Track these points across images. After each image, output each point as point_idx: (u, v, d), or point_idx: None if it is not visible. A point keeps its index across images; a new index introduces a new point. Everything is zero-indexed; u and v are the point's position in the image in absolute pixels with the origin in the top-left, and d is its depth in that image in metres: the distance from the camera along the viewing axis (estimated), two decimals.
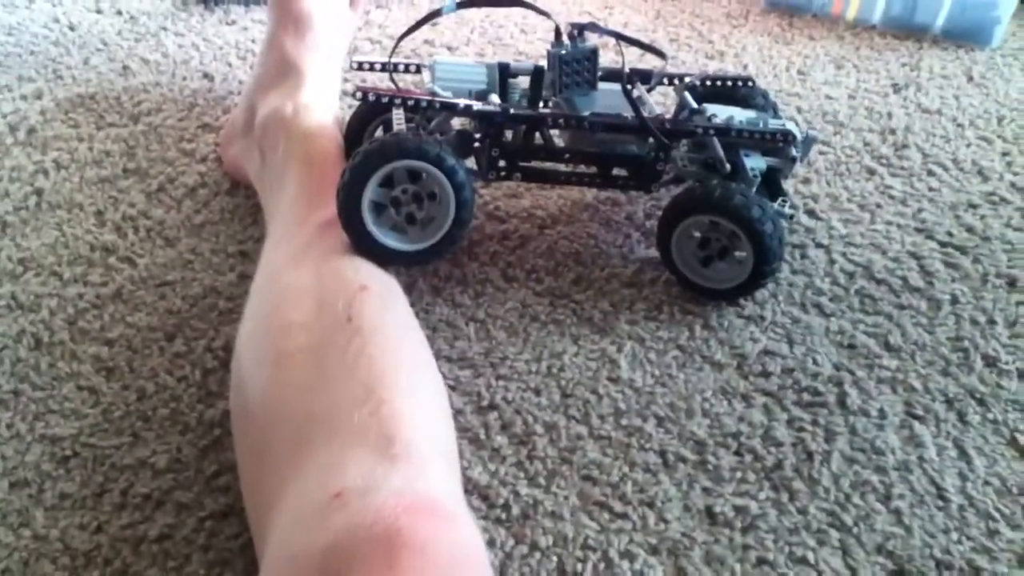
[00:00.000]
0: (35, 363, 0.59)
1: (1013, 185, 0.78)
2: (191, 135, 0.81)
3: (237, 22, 0.98)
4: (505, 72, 0.68)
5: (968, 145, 0.83)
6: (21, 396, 0.56)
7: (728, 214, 0.62)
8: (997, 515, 0.52)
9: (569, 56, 0.63)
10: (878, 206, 0.75)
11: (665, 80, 0.73)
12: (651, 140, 0.65)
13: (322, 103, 0.72)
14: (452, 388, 0.59)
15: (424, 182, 0.59)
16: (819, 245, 0.71)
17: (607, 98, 0.66)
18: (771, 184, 0.68)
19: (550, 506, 0.52)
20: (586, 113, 0.64)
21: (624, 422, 0.57)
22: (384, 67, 0.68)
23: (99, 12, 1.00)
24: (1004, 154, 0.82)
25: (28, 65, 0.89)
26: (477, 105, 0.62)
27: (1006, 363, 0.61)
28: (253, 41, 0.95)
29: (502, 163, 0.65)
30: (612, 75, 0.70)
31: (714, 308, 0.65)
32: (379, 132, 0.70)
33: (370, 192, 0.58)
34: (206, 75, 0.89)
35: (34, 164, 0.76)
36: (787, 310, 0.65)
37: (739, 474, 0.54)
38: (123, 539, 0.49)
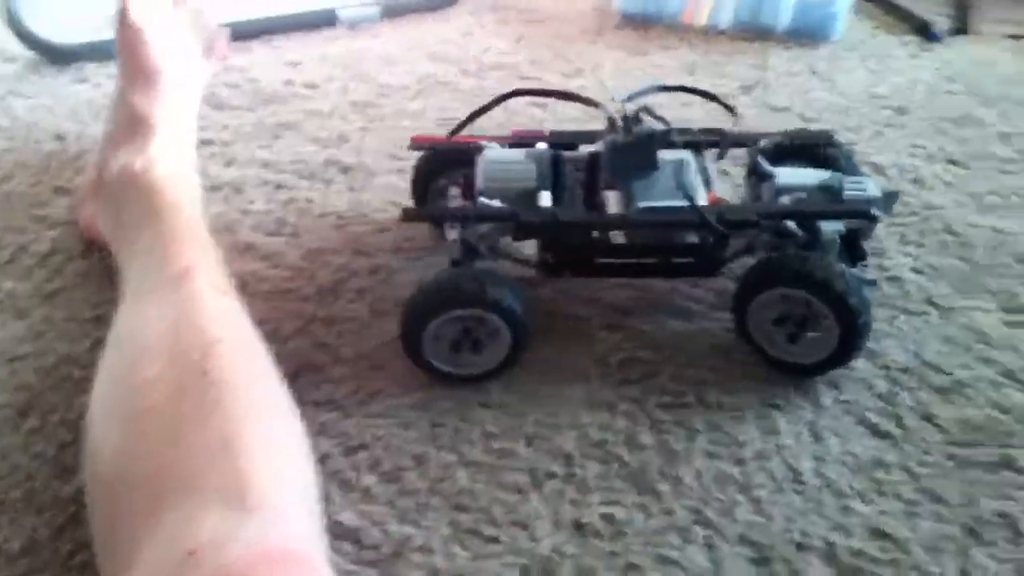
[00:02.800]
0: None
1: None
2: (44, 200, 0.79)
3: (89, 79, 0.96)
4: (558, 162, 0.65)
5: None
6: None
7: (813, 289, 0.57)
8: (851, 491, 0.55)
9: (624, 144, 0.62)
10: None
11: (737, 143, 0.69)
12: None
13: (173, 155, 0.71)
14: (319, 433, 0.58)
15: (484, 319, 0.59)
16: None
17: (670, 175, 0.62)
18: (851, 246, 0.63)
19: (421, 540, 0.52)
20: (642, 204, 0.61)
21: (495, 445, 0.57)
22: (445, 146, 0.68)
23: None
24: (849, 144, 0.86)
25: None
26: (524, 215, 0.61)
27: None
28: (106, 97, 0.93)
29: (556, 261, 0.64)
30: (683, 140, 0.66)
31: (578, 322, 0.66)
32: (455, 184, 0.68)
33: (430, 333, 0.59)
34: (59, 136, 0.87)
35: None
36: (653, 317, 0.67)
37: (605, 483, 0.55)
38: None
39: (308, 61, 1.01)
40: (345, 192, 0.80)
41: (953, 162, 0.83)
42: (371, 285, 0.70)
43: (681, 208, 0.61)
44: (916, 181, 0.80)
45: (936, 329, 0.65)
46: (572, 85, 0.96)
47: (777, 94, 0.93)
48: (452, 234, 0.62)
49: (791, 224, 0.62)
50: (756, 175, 0.67)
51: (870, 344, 0.62)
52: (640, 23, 1.07)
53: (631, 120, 0.62)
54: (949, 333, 0.65)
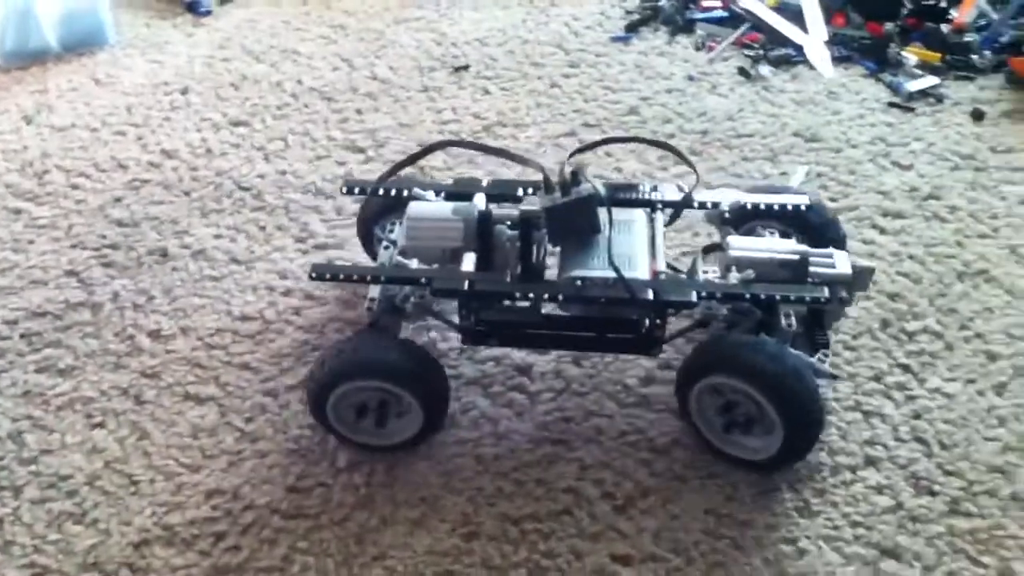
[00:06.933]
0: None
1: (151, 164, 0.84)
2: None
3: None
4: (487, 221, 0.56)
5: (106, 144, 0.87)
6: None
7: (750, 379, 0.48)
8: (182, 468, 0.58)
9: (561, 207, 0.54)
10: (31, 242, 0.76)
11: (695, 205, 0.58)
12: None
13: None
14: None
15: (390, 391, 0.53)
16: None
17: (613, 242, 0.53)
18: (813, 329, 0.54)
19: None
20: (573, 273, 0.53)
21: None
22: (374, 191, 0.61)
23: None
24: (139, 138, 0.87)
25: None
26: (438, 281, 0.54)
27: (168, 328, 0.67)
28: None
29: (482, 328, 0.56)
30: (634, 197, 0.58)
31: None
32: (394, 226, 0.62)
33: (334, 400, 0.53)
34: None
35: None
36: None
37: None
38: None
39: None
40: None
41: (238, 123, 0.89)
42: None
43: (611, 280, 0.53)
44: (207, 152, 0.85)
45: (243, 281, 0.71)
46: None
47: (62, 113, 0.91)
48: (372, 292, 0.56)
49: (747, 306, 0.54)
50: (701, 250, 0.60)
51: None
52: None
53: (569, 181, 0.55)
54: (255, 282, 0.71)
